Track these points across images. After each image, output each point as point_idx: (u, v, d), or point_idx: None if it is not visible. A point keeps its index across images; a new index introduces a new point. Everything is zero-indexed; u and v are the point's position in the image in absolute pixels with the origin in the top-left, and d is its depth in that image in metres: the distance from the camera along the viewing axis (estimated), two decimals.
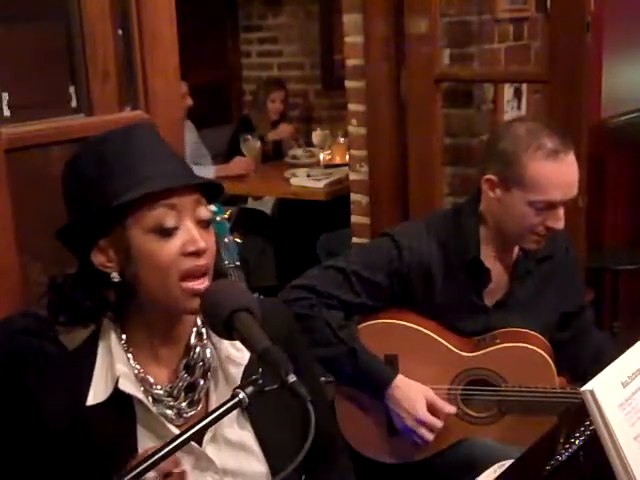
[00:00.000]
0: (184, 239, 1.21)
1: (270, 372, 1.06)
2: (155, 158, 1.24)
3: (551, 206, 1.89)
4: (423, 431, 1.99)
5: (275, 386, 1.05)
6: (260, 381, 1.05)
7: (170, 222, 1.20)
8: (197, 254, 1.21)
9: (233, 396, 1.04)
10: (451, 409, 2.00)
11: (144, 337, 1.28)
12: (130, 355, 1.28)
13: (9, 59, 1.96)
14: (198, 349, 1.30)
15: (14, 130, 1.77)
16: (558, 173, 1.88)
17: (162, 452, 1.00)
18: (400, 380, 2.00)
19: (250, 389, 1.04)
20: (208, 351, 1.31)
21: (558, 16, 2.56)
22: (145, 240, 1.20)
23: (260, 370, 1.07)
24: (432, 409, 1.99)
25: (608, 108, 3.80)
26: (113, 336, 1.28)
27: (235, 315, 1.13)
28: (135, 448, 1.24)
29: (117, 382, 1.23)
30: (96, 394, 1.24)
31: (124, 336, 1.28)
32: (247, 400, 1.04)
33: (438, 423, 1.99)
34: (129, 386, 1.23)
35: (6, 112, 1.94)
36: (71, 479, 1.24)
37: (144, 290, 1.23)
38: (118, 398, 1.23)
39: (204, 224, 1.24)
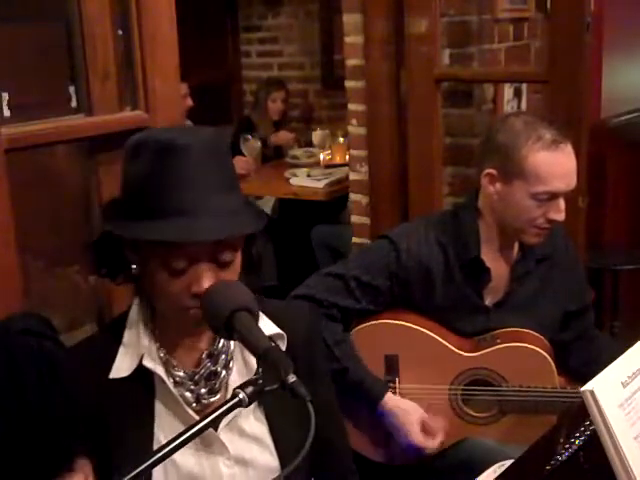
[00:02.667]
0: (191, 278, 1.21)
1: (270, 372, 1.06)
2: (192, 189, 1.19)
3: (553, 197, 1.89)
4: (420, 452, 2.00)
5: (275, 386, 1.05)
6: (260, 381, 1.06)
7: (179, 266, 1.20)
8: (200, 295, 1.21)
9: (233, 396, 1.05)
10: (439, 426, 1.99)
11: (171, 324, 1.31)
12: (156, 338, 1.31)
13: (9, 59, 1.96)
14: (222, 340, 1.33)
15: (14, 130, 1.77)
16: (559, 163, 1.88)
17: (169, 447, 1.00)
18: (390, 401, 2.00)
19: (250, 389, 1.05)
20: (232, 343, 1.34)
21: (558, 16, 2.56)
22: (157, 271, 1.22)
23: (260, 370, 1.07)
24: (425, 429, 2.00)
25: (608, 108, 3.80)
26: (142, 319, 1.31)
27: (235, 315, 1.13)
28: (151, 425, 1.28)
29: (141, 360, 1.27)
30: (119, 368, 1.28)
31: (152, 319, 1.32)
32: (247, 400, 1.04)
33: (434, 444, 1.99)
34: (152, 364, 1.27)
35: (6, 112, 1.94)
36: (88, 448, 1.26)
37: (155, 300, 1.28)
38: (141, 375, 1.27)
39: (223, 265, 1.23)
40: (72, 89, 2.08)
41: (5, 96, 1.95)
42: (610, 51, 3.73)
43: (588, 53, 2.54)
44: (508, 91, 3.28)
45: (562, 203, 1.91)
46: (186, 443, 1.02)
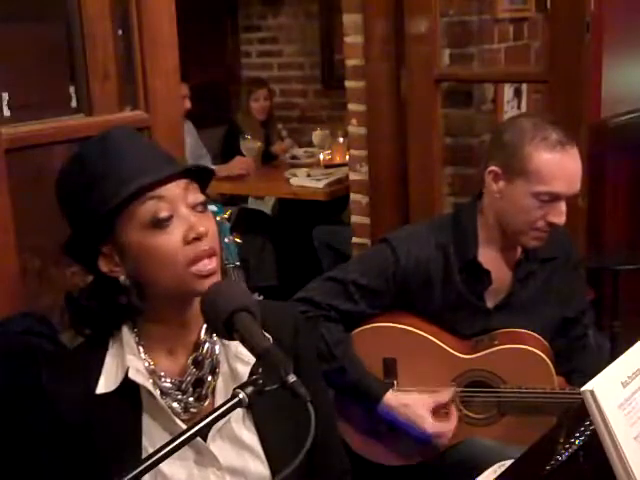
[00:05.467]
0: (183, 228, 1.22)
1: (270, 372, 1.06)
2: (134, 155, 1.25)
3: (554, 199, 1.88)
4: (438, 441, 1.99)
5: (275, 386, 1.05)
6: (260, 381, 1.06)
7: (163, 212, 1.21)
8: (199, 239, 1.22)
9: (233, 396, 1.04)
10: (448, 396, 1.98)
11: (156, 331, 1.30)
12: (141, 348, 1.30)
13: (9, 59, 1.96)
14: (207, 345, 1.32)
15: (14, 130, 1.77)
16: (562, 164, 1.87)
17: (165, 450, 1.00)
18: (393, 399, 1.99)
19: (250, 389, 1.05)
20: (217, 347, 1.33)
21: (558, 16, 2.56)
22: (144, 237, 1.21)
23: (260, 370, 1.07)
24: (436, 410, 1.98)
25: (608, 108, 3.79)
26: (125, 329, 1.30)
27: (235, 315, 1.13)
28: (139, 438, 1.26)
29: (127, 372, 1.25)
30: (106, 383, 1.26)
31: (136, 329, 1.30)
32: (247, 400, 1.04)
33: (451, 427, 1.98)
34: (138, 376, 1.25)
35: (6, 112, 1.94)
36: (76, 466, 1.26)
37: (154, 284, 1.25)
38: (127, 388, 1.26)
39: (200, 208, 1.25)
40: (72, 89, 2.08)
41: (5, 96, 1.96)
42: (610, 51, 3.73)
43: (588, 53, 2.54)
44: (508, 91, 3.28)
45: (563, 206, 1.89)
46: (186, 443, 1.01)
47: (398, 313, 2.06)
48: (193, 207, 1.24)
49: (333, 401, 2.09)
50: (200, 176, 1.29)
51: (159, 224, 1.21)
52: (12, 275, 1.71)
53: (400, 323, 2.04)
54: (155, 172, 1.23)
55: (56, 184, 1.29)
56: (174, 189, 1.23)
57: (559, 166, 1.87)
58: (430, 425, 1.97)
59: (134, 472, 0.97)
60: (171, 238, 1.21)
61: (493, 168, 1.95)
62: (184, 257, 1.21)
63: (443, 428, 1.97)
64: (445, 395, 1.98)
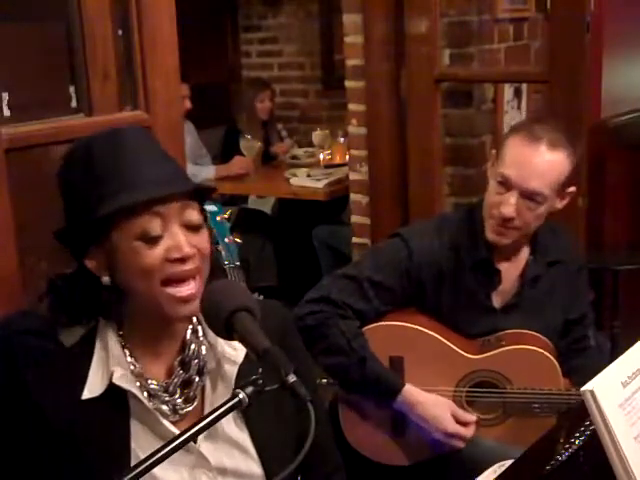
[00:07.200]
0: (168, 245, 1.20)
1: (270, 372, 1.06)
2: (142, 162, 1.23)
3: (507, 186, 1.90)
4: (454, 442, 1.99)
5: (275, 386, 1.05)
6: (260, 381, 1.05)
7: (155, 230, 1.20)
8: (181, 260, 1.21)
9: (233, 396, 1.04)
10: (472, 418, 1.99)
11: (141, 334, 1.29)
12: (127, 351, 1.28)
13: (9, 59, 1.96)
14: (193, 346, 1.31)
15: (14, 130, 1.77)
16: (524, 154, 1.90)
17: (162, 452, 1.00)
18: (412, 393, 1.99)
19: (250, 389, 1.04)
20: (204, 348, 1.32)
21: (558, 16, 2.56)
22: (131, 247, 1.20)
23: (260, 370, 1.07)
24: (457, 419, 1.99)
25: (608, 108, 3.79)
26: (110, 332, 1.28)
27: (235, 315, 1.12)
28: (127, 442, 1.25)
29: (112, 377, 1.23)
30: (91, 389, 1.24)
31: (121, 332, 1.29)
32: (247, 400, 1.04)
33: (469, 433, 1.98)
34: (124, 381, 1.24)
35: (6, 112, 1.94)
36: (64, 472, 1.25)
37: (132, 294, 1.24)
38: (113, 393, 1.24)
39: (193, 228, 1.23)
40: (72, 89, 2.08)
41: (5, 96, 1.95)
42: (610, 51, 3.73)
43: (588, 53, 2.54)
44: (508, 91, 3.29)
45: (512, 199, 1.90)
46: (185, 444, 1.01)
47: (407, 312, 2.06)
48: (186, 226, 1.23)
49: (335, 400, 2.10)
50: (200, 192, 1.28)
51: (149, 240, 1.20)
52: (12, 275, 1.71)
53: (408, 322, 2.03)
54: (157, 186, 1.21)
55: (60, 168, 1.28)
56: (172, 207, 1.21)
57: (520, 154, 1.90)
58: (452, 426, 1.97)
59: (129, 475, 0.97)
60: (154, 254, 1.20)
61: (492, 151, 2.02)
62: (160, 274, 1.20)
63: (461, 432, 1.97)
64: (470, 416, 1.99)
